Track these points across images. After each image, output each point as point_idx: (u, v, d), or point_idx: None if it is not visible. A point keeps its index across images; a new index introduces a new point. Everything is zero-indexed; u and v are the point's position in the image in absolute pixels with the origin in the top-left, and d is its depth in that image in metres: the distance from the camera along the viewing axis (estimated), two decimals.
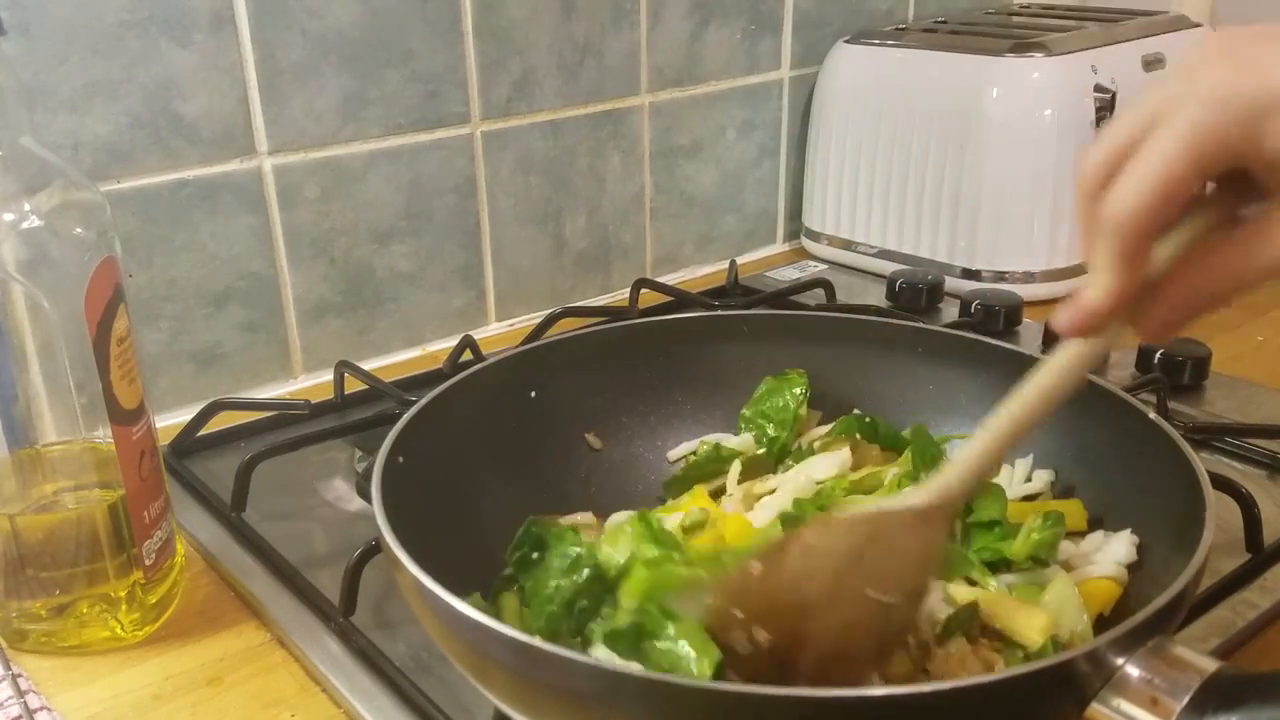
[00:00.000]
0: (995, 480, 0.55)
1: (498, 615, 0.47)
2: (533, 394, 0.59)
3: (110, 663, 0.53)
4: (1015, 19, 1.08)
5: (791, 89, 1.05)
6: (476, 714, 0.47)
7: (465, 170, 0.86)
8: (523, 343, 0.81)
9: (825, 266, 1.04)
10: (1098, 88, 0.90)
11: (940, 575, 0.47)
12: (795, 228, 1.10)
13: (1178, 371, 0.75)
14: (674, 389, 0.63)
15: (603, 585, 0.46)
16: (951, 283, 0.92)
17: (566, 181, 0.92)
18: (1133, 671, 0.37)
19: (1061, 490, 0.56)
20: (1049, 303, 0.92)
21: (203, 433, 0.71)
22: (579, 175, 0.93)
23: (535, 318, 0.87)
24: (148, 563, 0.54)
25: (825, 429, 0.61)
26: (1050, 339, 0.80)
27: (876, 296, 0.94)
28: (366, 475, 0.60)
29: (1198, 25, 1.02)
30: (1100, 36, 0.94)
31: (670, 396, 0.63)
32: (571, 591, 0.46)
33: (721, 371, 0.62)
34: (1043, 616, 0.44)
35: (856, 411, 0.61)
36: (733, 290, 0.95)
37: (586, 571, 0.46)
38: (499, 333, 0.91)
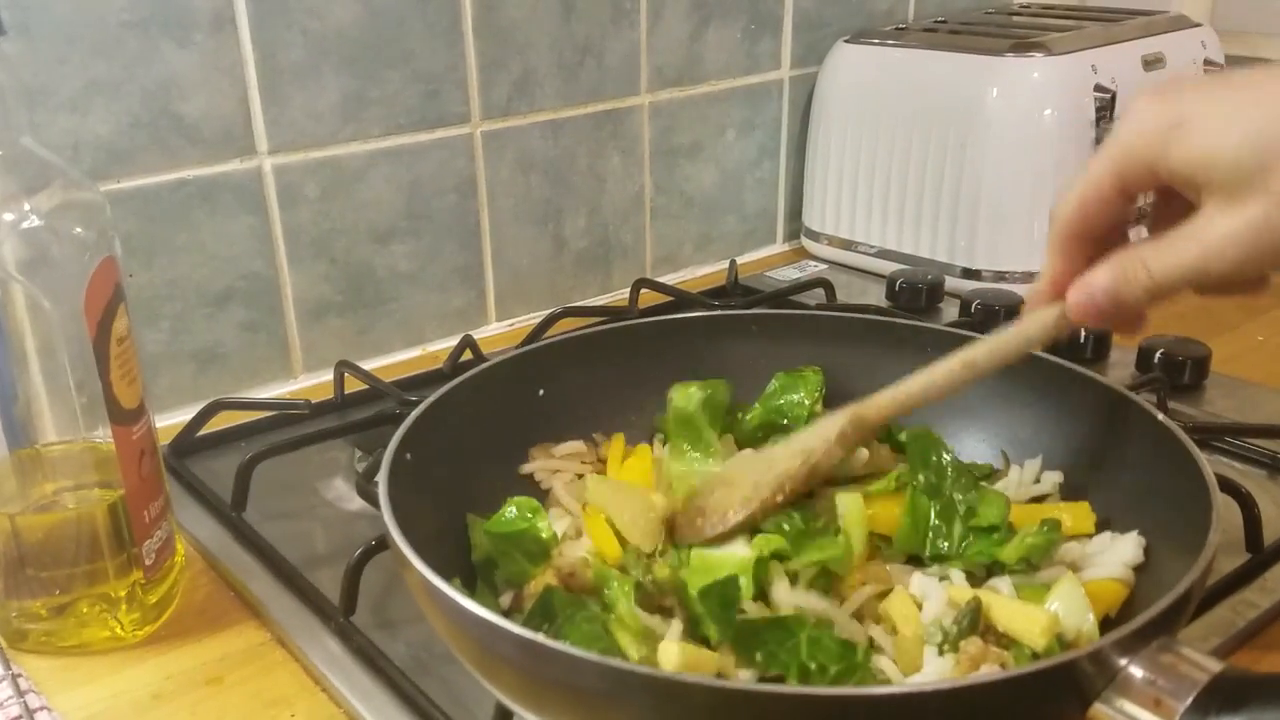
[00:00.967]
0: (997, 485, 0.55)
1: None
2: (540, 392, 0.59)
3: (110, 662, 0.53)
4: (1015, 19, 1.08)
5: (791, 89, 1.05)
6: (477, 713, 0.47)
7: (465, 170, 0.86)
8: (523, 343, 0.81)
9: (825, 266, 1.04)
10: (1098, 87, 0.90)
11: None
12: (795, 228, 1.10)
13: (1178, 371, 0.75)
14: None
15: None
16: (951, 282, 0.92)
17: (566, 181, 0.92)
18: (1136, 672, 0.36)
19: (1069, 491, 0.55)
20: None
21: (203, 432, 0.71)
22: (579, 175, 0.93)
23: (535, 318, 0.87)
24: (148, 562, 0.54)
25: None
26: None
27: (876, 296, 0.94)
28: (367, 475, 0.61)
29: (1198, 25, 1.02)
30: (1100, 36, 0.94)
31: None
32: None
33: (730, 370, 0.62)
34: (1045, 617, 0.44)
35: None
36: (733, 290, 0.95)
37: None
38: (499, 332, 0.91)
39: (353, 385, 0.75)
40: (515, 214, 0.90)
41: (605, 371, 0.61)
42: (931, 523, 0.51)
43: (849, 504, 0.51)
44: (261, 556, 0.59)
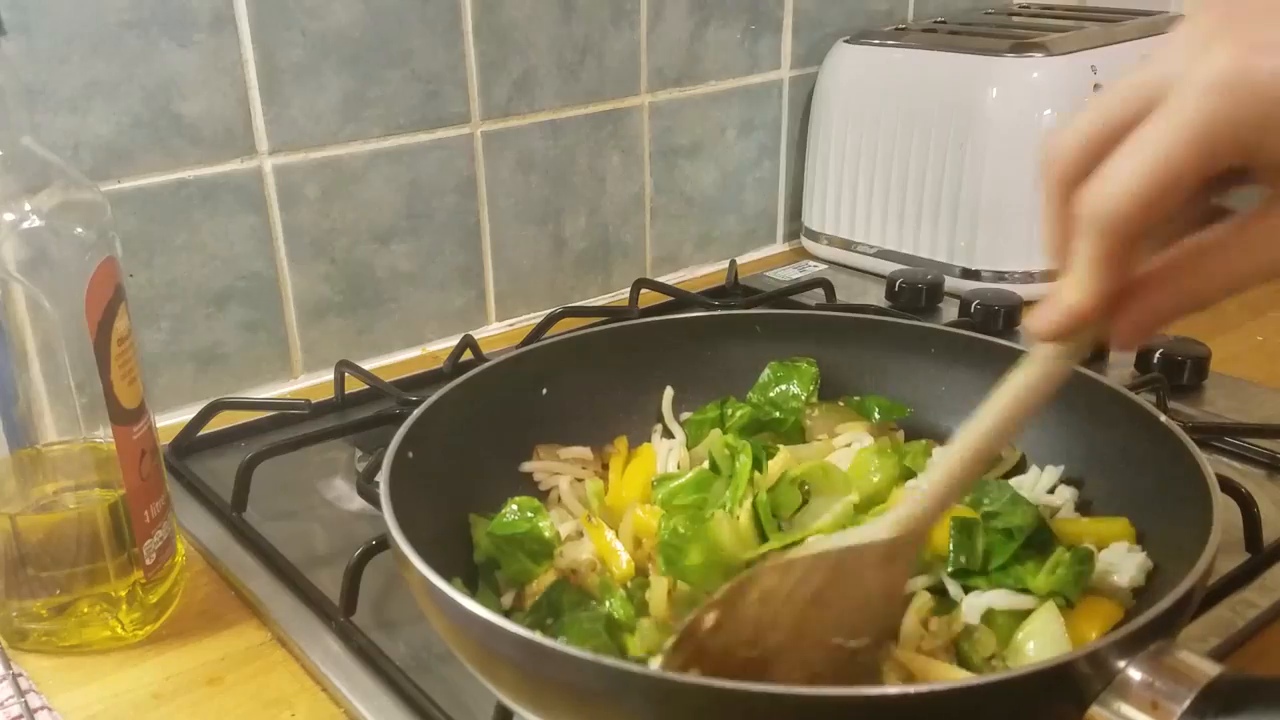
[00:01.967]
0: (1011, 482, 0.54)
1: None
2: (544, 391, 0.59)
3: (111, 662, 0.53)
4: (1015, 19, 1.08)
5: (791, 89, 1.05)
6: (477, 713, 0.47)
7: (465, 170, 0.86)
8: (523, 343, 0.81)
9: (825, 266, 1.04)
10: (1097, 88, 0.90)
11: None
12: (795, 228, 1.10)
13: (1177, 371, 0.75)
14: (685, 387, 0.62)
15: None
16: (951, 283, 0.92)
17: (566, 181, 0.92)
18: (1134, 674, 0.36)
19: (1081, 502, 0.55)
20: None
21: (203, 432, 0.71)
22: (579, 175, 0.93)
23: (535, 318, 0.87)
24: (148, 562, 0.54)
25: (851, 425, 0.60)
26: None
27: (876, 296, 0.94)
28: (367, 475, 0.61)
29: None
30: (1100, 36, 0.94)
31: (681, 395, 0.62)
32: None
33: (733, 370, 0.62)
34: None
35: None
36: (733, 290, 0.95)
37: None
38: (499, 332, 0.91)
39: (353, 385, 0.75)
40: (515, 214, 0.90)
41: (607, 371, 0.61)
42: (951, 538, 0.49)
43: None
44: (262, 556, 0.59)
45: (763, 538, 0.50)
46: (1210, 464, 0.46)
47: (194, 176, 0.74)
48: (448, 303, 0.88)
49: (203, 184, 0.74)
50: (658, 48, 0.94)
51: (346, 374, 0.75)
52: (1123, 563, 0.49)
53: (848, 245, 1.03)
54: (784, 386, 0.61)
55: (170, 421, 0.73)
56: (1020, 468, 0.58)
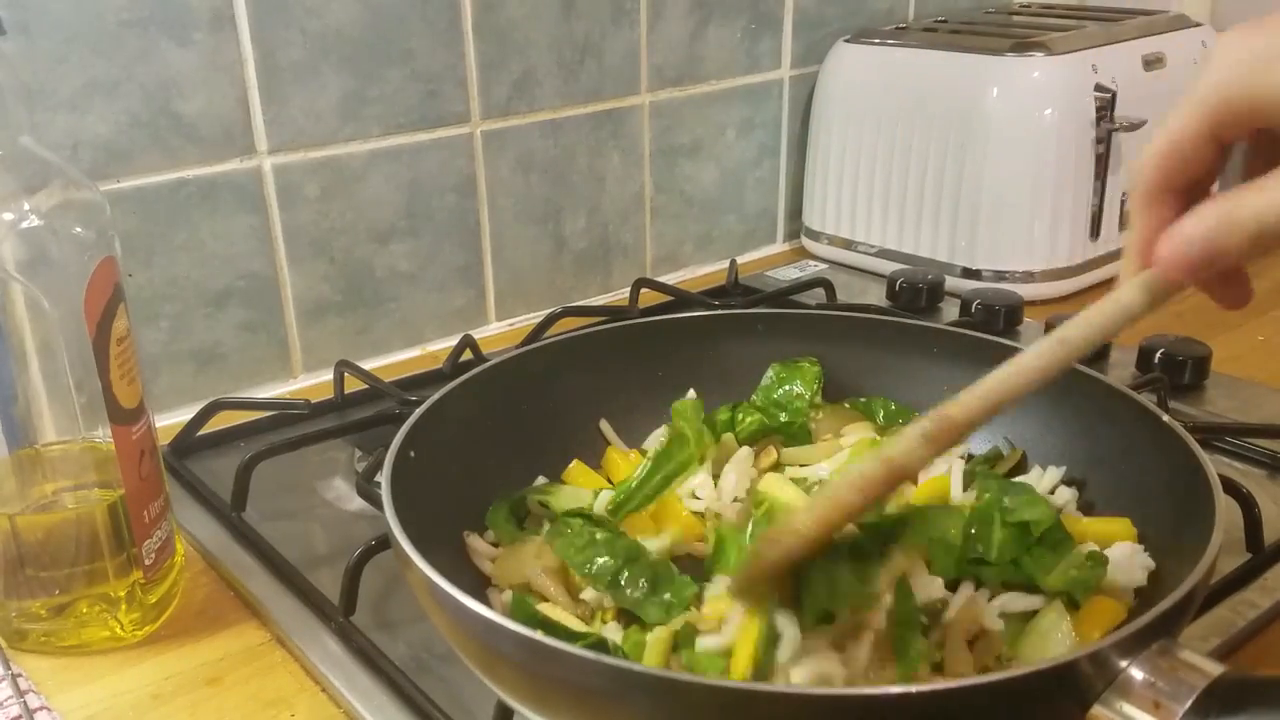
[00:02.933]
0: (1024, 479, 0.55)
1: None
2: (547, 390, 0.59)
3: (110, 662, 0.53)
4: (1016, 18, 1.08)
5: (792, 88, 1.05)
6: (476, 713, 0.47)
7: (465, 170, 0.86)
8: (523, 342, 0.81)
9: (825, 266, 1.04)
10: (1098, 87, 0.90)
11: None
12: (795, 227, 1.10)
13: (1178, 371, 0.75)
14: (687, 386, 0.62)
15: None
16: (952, 282, 0.92)
17: (566, 181, 0.92)
18: (1136, 674, 0.36)
19: (1083, 504, 0.55)
20: (1049, 302, 0.92)
21: (202, 432, 0.71)
22: (579, 175, 0.93)
23: (535, 317, 0.87)
24: (147, 562, 0.54)
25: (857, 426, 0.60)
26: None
27: (876, 296, 0.94)
28: (367, 475, 0.61)
29: (1198, 25, 1.02)
30: (1100, 36, 0.94)
31: (684, 394, 0.62)
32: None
33: (736, 369, 0.62)
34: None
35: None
36: (733, 290, 0.95)
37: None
38: (499, 332, 0.91)
39: (352, 385, 0.75)
40: (515, 214, 0.90)
41: (609, 370, 0.61)
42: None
43: None
44: (261, 556, 0.59)
45: None
46: (1211, 464, 0.46)
47: (193, 176, 0.74)
48: (447, 302, 0.88)
49: (202, 183, 0.74)
50: (658, 47, 0.94)
51: (346, 374, 0.75)
52: (1125, 563, 0.49)
53: (848, 245, 1.03)
54: (788, 387, 0.61)
55: (169, 421, 0.73)
56: (1021, 467, 0.58)
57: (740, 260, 1.02)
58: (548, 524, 0.54)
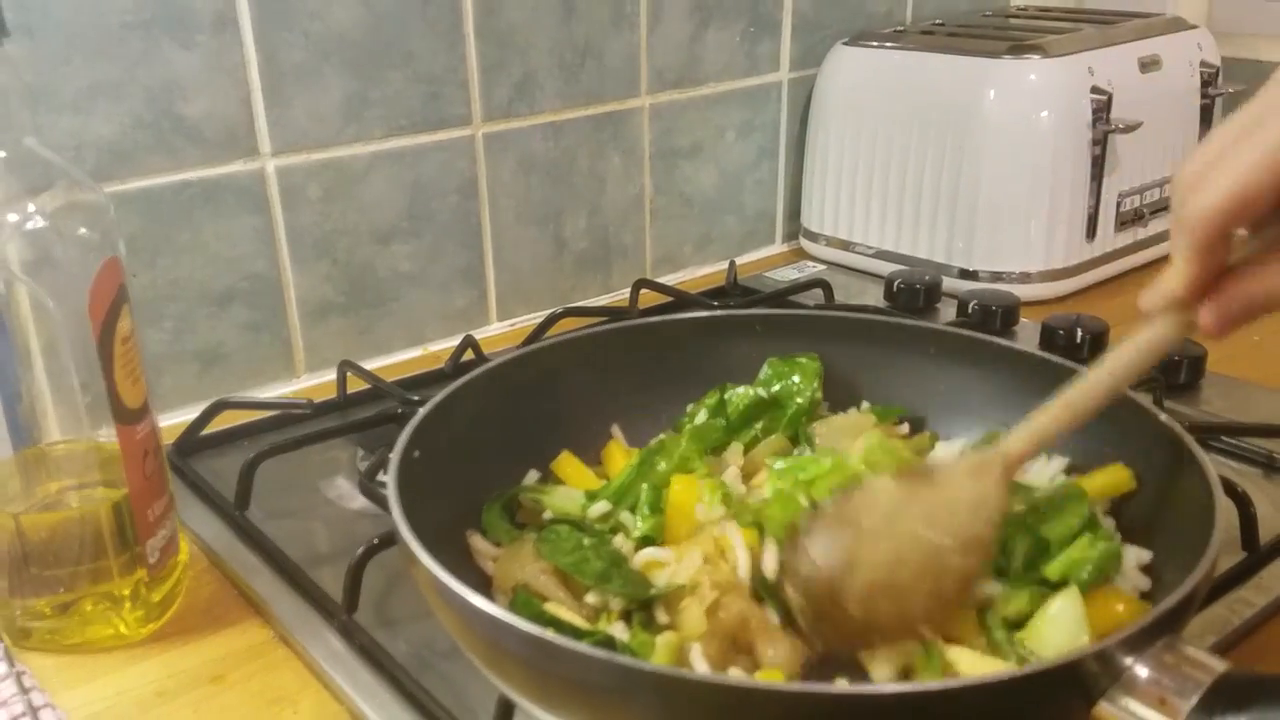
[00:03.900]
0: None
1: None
2: (548, 390, 0.60)
3: (114, 660, 0.53)
4: (1013, 21, 1.08)
5: (790, 91, 1.05)
6: (479, 710, 0.47)
7: (467, 171, 0.86)
8: (524, 343, 0.81)
9: (823, 267, 1.04)
10: (1094, 89, 0.90)
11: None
12: (794, 228, 1.10)
13: (1174, 370, 0.75)
14: (688, 387, 0.62)
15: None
16: (949, 283, 0.93)
17: (567, 182, 0.92)
18: (1142, 671, 0.37)
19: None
20: (1046, 303, 0.93)
21: (206, 432, 0.71)
22: (579, 176, 0.93)
23: (536, 318, 0.87)
24: (151, 561, 0.54)
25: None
26: (1049, 338, 0.81)
27: (874, 297, 0.94)
28: (369, 474, 0.61)
29: (1194, 27, 1.02)
30: (1097, 38, 0.95)
31: (684, 394, 0.62)
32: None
33: (735, 369, 0.62)
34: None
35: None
36: (732, 291, 0.96)
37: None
38: (500, 332, 0.91)
39: (355, 385, 0.75)
40: (516, 215, 0.90)
41: (612, 370, 0.61)
42: None
43: None
44: (264, 555, 0.59)
45: None
46: (1210, 463, 0.46)
47: (197, 177, 0.74)
48: (449, 303, 0.89)
49: (205, 185, 0.75)
50: (657, 50, 0.94)
51: (348, 374, 0.75)
52: (1134, 570, 0.49)
53: (846, 246, 1.04)
54: (786, 381, 0.61)
55: (173, 421, 0.73)
56: None
57: (739, 261, 1.02)
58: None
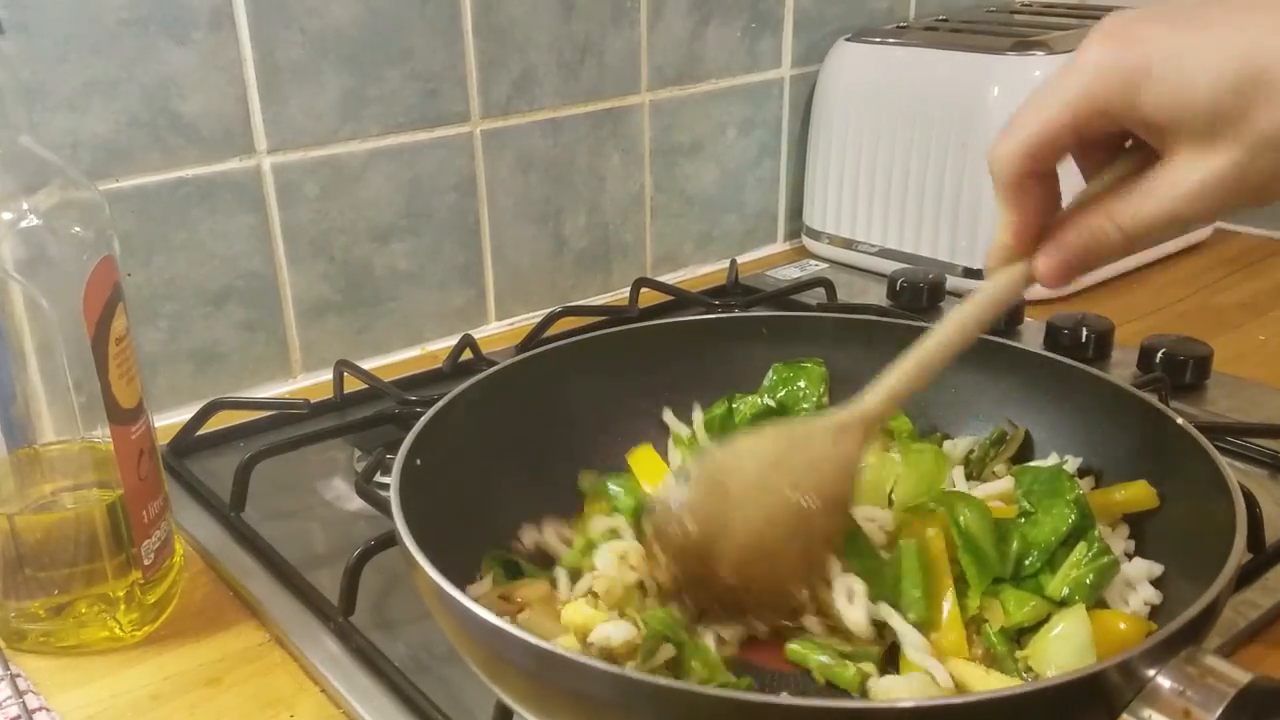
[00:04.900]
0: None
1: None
2: (550, 395, 0.59)
3: (109, 663, 0.53)
4: (1017, 17, 1.08)
5: (792, 87, 1.05)
6: (476, 714, 0.47)
7: (465, 169, 0.86)
8: (523, 342, 0.81)
9: (826, 265, 1.04)
10: None
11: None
12: (796, 227, 1.10)
13: (1179, 371, 0.75)
14: (690, 390, 0.62)
15: None
16: (952, 281, 0.92)
17: (566, 180, 0.92)
18: (1164, 682, 0.36)
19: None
20: (1049, 302, 0.92)
21: (201, 432, 0.71)
22: (579, 174, 0.92)
23: (535, 317, 0.87)
24: (146, 562, 0.54)
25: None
26: (1053, 336, 0.80)
27: (877, 295, 0.94)
28: (366, 475, 0.60)
29: None
30: None
31: (686, 398, 0.62)
32: None
33: (739, 373, 0.62)
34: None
35: None
36: (733, 289, 0.95)
37: None
38: (499, 332, 0.91)
39: (352, 385, 0.75)
40: (515, 213, 0.90)
41: (614, 375, 0.61)
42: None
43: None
44: (260, 556, 0.59)
45: None
46: (1229, 468, 0.46)
47: (192, 175, 0.74)
48: (447, 302, 0.88)
49: (201, 183, 0.74)
50: (658, 46, 0.94)
51: (345, 373, 0.75)
52: (1140, 583, 0.48)
53: (849, 244, 1.03)
54: (792, 387, 0.61)
55: (168, 421, 0.73)
56: (1028, 447, 0.58)
57: (740, 260, 1.02)
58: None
